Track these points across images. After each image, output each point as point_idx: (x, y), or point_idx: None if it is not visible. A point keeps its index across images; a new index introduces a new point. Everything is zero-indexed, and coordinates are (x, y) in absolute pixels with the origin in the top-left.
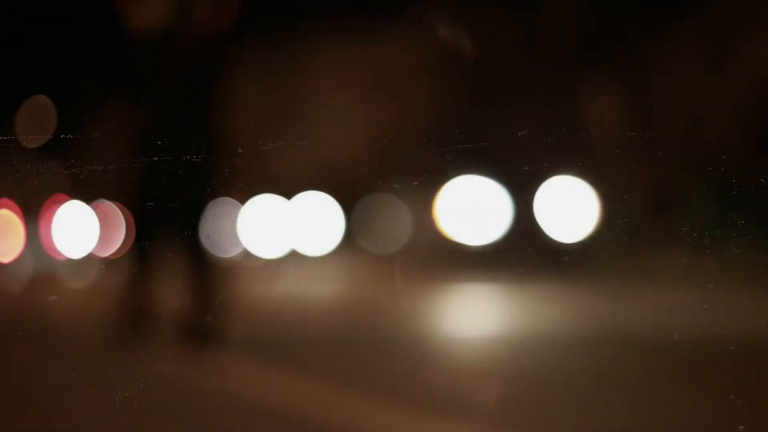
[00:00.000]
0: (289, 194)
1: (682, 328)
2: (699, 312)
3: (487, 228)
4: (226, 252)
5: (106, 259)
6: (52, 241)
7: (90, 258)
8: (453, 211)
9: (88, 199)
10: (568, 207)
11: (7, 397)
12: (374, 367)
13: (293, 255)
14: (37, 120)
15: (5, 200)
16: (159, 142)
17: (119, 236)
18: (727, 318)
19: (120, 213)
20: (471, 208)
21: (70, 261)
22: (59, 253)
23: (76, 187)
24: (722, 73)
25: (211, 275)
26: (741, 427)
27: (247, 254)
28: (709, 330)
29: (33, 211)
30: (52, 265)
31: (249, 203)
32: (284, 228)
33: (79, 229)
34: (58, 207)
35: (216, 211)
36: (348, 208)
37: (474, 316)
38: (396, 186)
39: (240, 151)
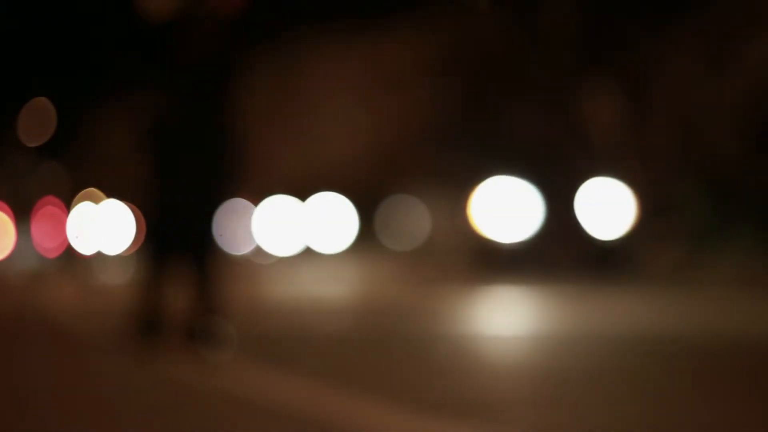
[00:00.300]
0: (303, 195)
1: (714, 328)
2: (734, 313)
3: (519, 227)
4: (239, 249)
5: (118, 256)
6: (43, 240)
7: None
8: (486, 210)
9: (98, 198)
10: (606, 207)
11: (5, 396)
12: (384, 366)
13: (308, 253)
14: (37, 119)
15: None
16: (171, 141)
17: (130, 235)
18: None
19: (131, 212)
20: (503, 207)
21: (61, 259)
22: (49, 251)
23: (84, 186)
24: (737, 73)
25: (216, 275)
26: None
27: (260, 252)
28: (743, 332)
29: (28, 211)
30: (43, 263)
31: (263, 203)
32: (298, 227)
33: (91, 228)
34: (50, 207)
35: (230, 210)
36: (364, 207)
37: (496, 316)
38: (417, 186)
39: (254, 152)
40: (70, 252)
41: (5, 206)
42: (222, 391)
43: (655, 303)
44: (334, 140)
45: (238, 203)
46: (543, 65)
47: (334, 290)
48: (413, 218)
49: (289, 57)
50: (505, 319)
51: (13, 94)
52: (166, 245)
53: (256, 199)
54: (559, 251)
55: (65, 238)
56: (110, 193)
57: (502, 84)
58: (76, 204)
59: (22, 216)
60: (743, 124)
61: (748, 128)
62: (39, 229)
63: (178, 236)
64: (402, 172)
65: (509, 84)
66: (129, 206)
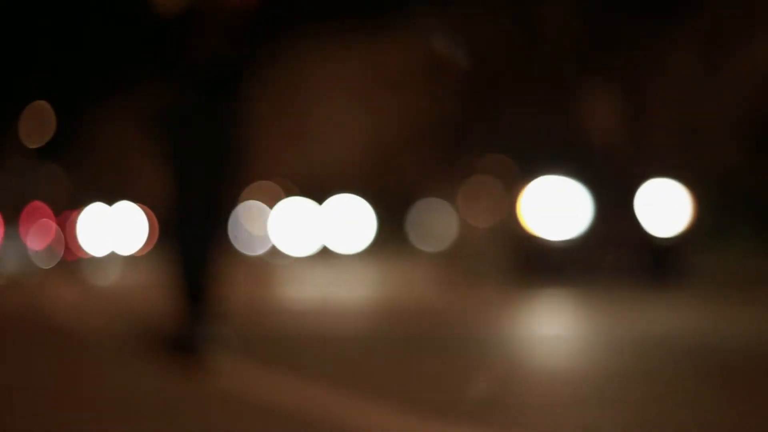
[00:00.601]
0: (320, 197)
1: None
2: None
3: (567, 226)
4: (254, 250)
5: (130, 256)
6: (31, 242)
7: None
8: (534, 209)
9: (111, 200)
10: (662, 207)
11: (7, 397)
12: (394, 368)
13: (325, 253)
14: (37, 121)
15: None
16: (180, 141)
17: (142, 236)
18: None
19: (143, 213)
20: (552, 206)
21: (45, 259)
22: (38, 252)
23: (82, 187)
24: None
25: (220, 275)
26: None
27: (276, 252)
28: None
29: (18, 213)
30: (31, 264)
31: (279, 205)
32: (314, 228)
33: (100, 229)
34: (38, 210)
35: (245, 212)
36: (392, 209)
37: (524, 317)
38: (447, 187)
39: (268, 154)
40: (56, 254)
41: None
42: (224, 392)
43: (695, 306)
44: (353, 141)
45: (254, 205)
46: (576, 64)
47: (350, 291)
48: (443, 220)
49: (302, 57)
50: (534, 320)
51: (12, 94)
52: (184, 248)
53: (272, 202)
54: (608, 252)
55: (52, 241)
56: (118, 195)
57: (533, 84)
58: (63, 209)
59: (11, 218)
60: (746, 124)
61: (750, 127)
62: (27, 231)
63: (190, 237)
64: (430, 173)
65: (540, 83)
66: (141, 207)
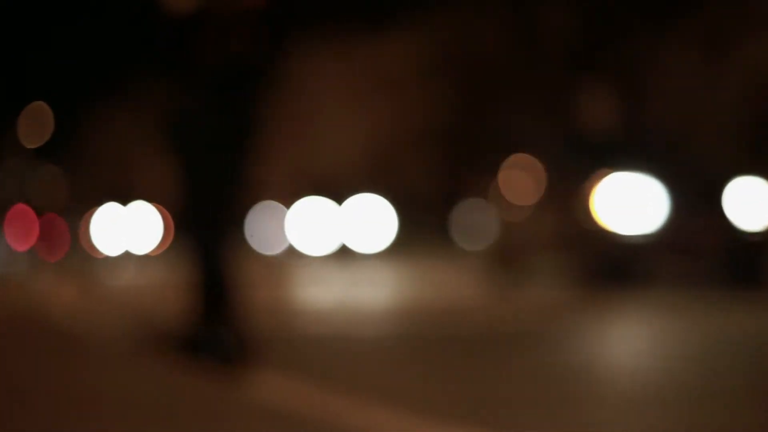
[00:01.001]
0: (339, 197)
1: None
2: None
3: (641, 223)
4: (271, 250)
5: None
6: (15, 243)
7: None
8: (606, 205)
9: (125, 199)
10: (747, 204)
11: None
12: (417, 373)
13: (345, 253)
14: (35, 123)
15: None
16: (193, 141)
17: (157, 235)
18: None
19: (158, 213)
20: (624, 202)
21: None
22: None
23: (77, 189)
24: None
25: (235, 278)
26: None
27: (293, 252)
28: None
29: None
30: (14, 264)
31: (296, 205)
32: (333, 227)
33: (115, 229)
34: (22, 212)
35: (261, 212)
36: (405, 207)
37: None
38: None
39: (285, 154)
40: (36, 255)
41: None
42: (239, 395)
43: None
44: (373, 140)
45: (270, 205)
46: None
47: (369, 292)
48: (480, 218)
49: (323, 55)
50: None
51: (13, 95)
52: (200, 249)
53: (289, 201)
54: (685, 252)
55: (34, 242)
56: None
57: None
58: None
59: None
60: (749, 123)
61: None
62: (11, 232)
63: (205, 238)
64: (459, 172)
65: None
66: (155, 206)
